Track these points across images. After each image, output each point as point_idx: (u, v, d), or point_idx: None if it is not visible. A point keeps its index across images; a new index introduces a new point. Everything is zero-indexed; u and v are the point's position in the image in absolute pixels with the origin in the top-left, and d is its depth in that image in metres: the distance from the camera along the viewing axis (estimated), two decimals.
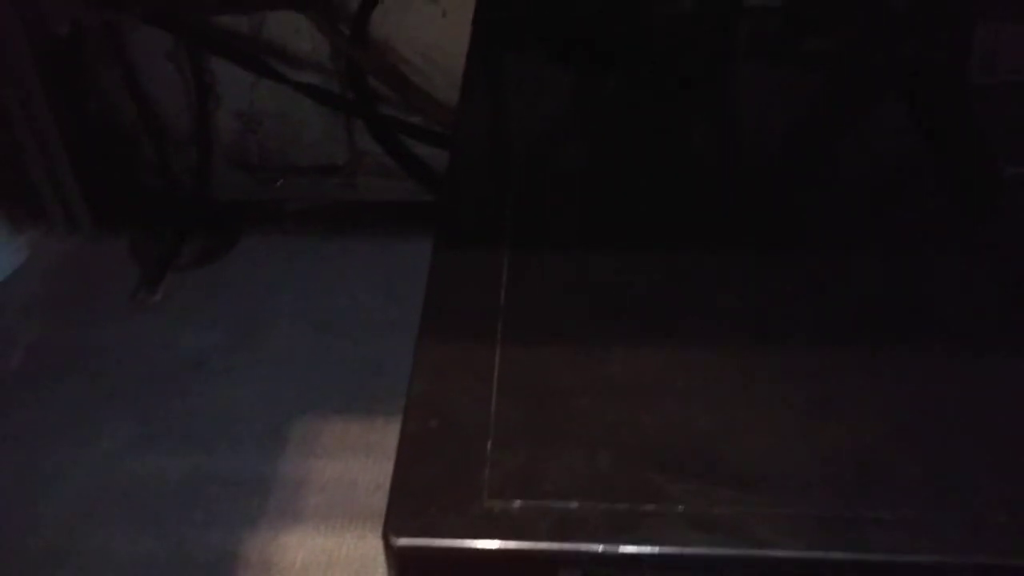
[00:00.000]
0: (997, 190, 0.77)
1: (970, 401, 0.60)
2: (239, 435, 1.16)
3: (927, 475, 0.56)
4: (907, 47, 0.93)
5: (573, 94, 0.95)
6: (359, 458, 1.12)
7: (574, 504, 0.55)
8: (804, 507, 0.55)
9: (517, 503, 0.55)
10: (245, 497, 1.09)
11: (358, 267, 1.39)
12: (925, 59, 0.91)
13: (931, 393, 0.61)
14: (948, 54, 0.90)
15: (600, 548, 0.54)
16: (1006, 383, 0.61)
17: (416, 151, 1.41)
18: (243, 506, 1.08)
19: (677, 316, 0.67)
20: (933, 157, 0.80)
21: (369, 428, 1.15)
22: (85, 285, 1.39)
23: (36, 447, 1.17)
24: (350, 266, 1.39)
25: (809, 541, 0.53)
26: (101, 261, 1.42)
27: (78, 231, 1.46)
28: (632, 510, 0.55)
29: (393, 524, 0.55)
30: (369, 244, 1.42)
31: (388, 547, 0.55)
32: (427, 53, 1.33)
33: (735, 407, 0.60)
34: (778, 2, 0.99)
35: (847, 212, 0.77)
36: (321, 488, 1.09)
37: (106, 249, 1.44)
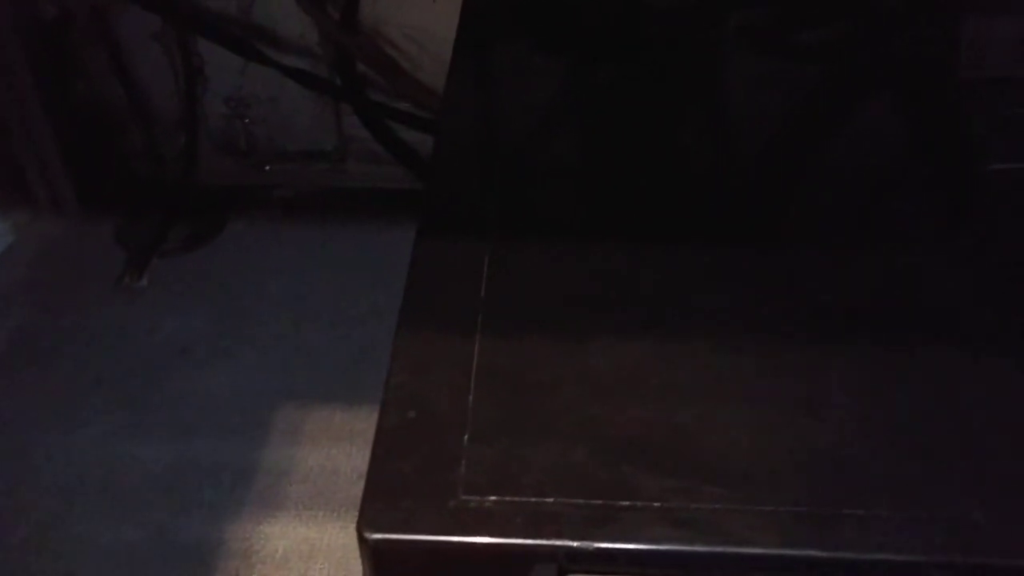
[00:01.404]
0: (982, 186, 0.77)
1: (949, 399, 0.60)
2: (223, 422, 1.16)
3: (904, 473, 0.56)
4: (896, 41, 0.92)
5: (561, 84, 0.94)
6: (343, 447, 1.12)
7: (550, 499, 0.55)
8: (781, 504, 0.54)
9: (492, 498, 0.55)
10: (227, 485, 1.09)
11: (346, 253, 1.39)
12: (914, 54, 0.90)
13: (910, 391, 0.61)
14: (936, 49, 0.89)
15: (575, 544, 0.53)
16: (985, 381, 0.61)
17: (405, 137, 1.41)
18: (225, 494, 1.08)
19: (658, 310, 0.66)
20: (919, 152, 0.79)
21: (353, 416, 1.15)
22: (71, 270, 1.38)
23: (19, 432, 1.16)
24: (338, 252, 1.39)
25: (785, 538, 0.53)
26: (87, 246, 1.42)
27: (64, 215, 1.45)
28: (608, 506, 0.55)
29: (367, 518, 0.55)
30: (357, 230, 1.41)
31: (362, 542, 0.54)
32: (417, 39, 1.33)
33: (714, 403, 0.60)
34: None
35: (832, 207, 0.76)
36: (304, 477, 1.09)
37: (92, 234, 1.43)
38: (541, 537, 0.54)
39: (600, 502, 0.55)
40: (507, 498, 0.55)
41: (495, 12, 1.01)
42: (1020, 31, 0.86)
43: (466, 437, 0.58)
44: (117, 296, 1.34)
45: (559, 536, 0.53)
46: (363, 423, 1.12)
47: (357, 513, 0.55)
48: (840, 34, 0.96)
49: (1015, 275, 0.68)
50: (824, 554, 0.53)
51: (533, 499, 0.55)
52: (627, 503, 0.55)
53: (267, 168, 1.47)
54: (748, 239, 0.73)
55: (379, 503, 0.55)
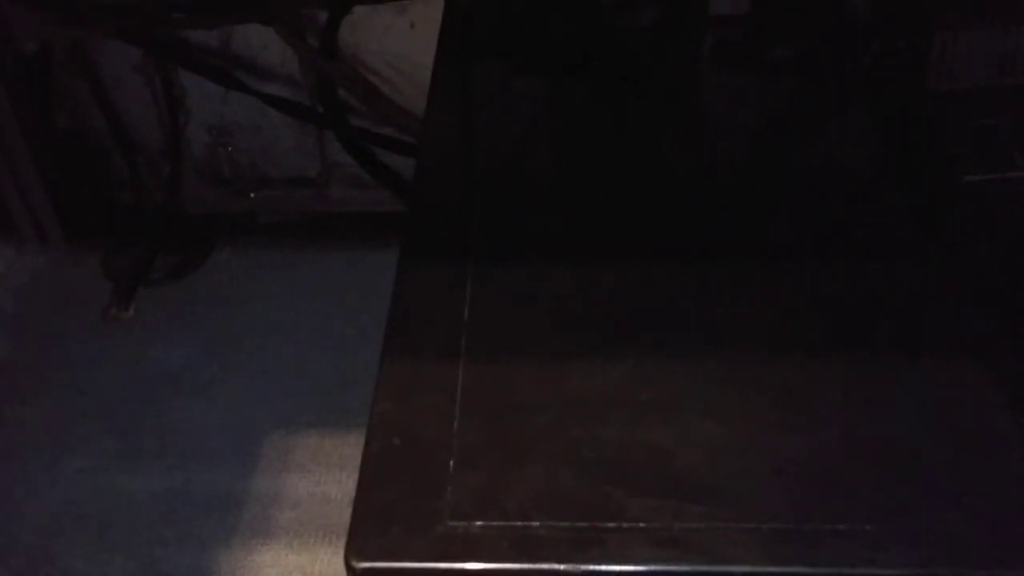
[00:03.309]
0: (955, 197, 0.78)
1: (927, 412, 0.61)
2: (212, 451, 1.16)
3: (884, 487, 0.56)
4: (869, 55, 0.93)
5: (539, 105, 0.95)
6: (332, 472, 1.12)
7: (535, 523, 0.55)
8: (764, 521, 0.55)
9: (479, 523, 0.56)
10: (218, 514, 1.09)
11: (332, 278, 1.39)
12: (886, 67, 0.91)
13: (888, 404, 0.61)
14: (908, 62, 0.90)
15: (562, 567, 0.54)
16: (962, 393, 0.62)
17: (387, 161, 1.41)
18: (216, 523, 1.08)
19: (638, 330, 0.67)
20: (893, 164, 0.80)
21: (342, 442, 1.15)
22: (57, 301, 1.38)
23: (8, 465, 1.16)
24: (324, 278, 1.39)
25: (768, 555, 0.54)
26: (73, 277, 1.42)
27: (49, 247, 1.45)
28: (593, 528, 0.55)
29: (355, 547, 0.55)
30: (343, 255, 1.42)
31: (350, 570, 0.55)
32: (396, 64, 1.33)
33: (695, 421, 0.60)
34: (743, 11, 0.99)
35: (808, 221, 0.77)
36: (294, 503, 1.09)
37: (78, 265, 1.43)
38: (528, 561, 0.54)
39: (585, 524, 0.55)
40: (493, 523, 0.56)
41: (472, 36, 1.02)
42: (990, 43, 0.87)
43: (451, 463, 0.59)
44: (104, 327, 1.34)
45: (546, 560, 0.54)
46: (352, 448, 1.12)
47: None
48: (814, 49, 0.97)
49: (989, 285, 0.69)
50: (808, 570, 0.53)
51: (519, 523, 0.55)
52: (612, 524, 0.55)
53: (251, 195, 1.47)
54: (725, 256, 0.74)
55: (366, 531, 0.56)
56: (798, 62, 0.96)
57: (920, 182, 0.80)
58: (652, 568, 0.53)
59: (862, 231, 0.75)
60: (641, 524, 0.55)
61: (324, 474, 1.12)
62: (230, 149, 1.43)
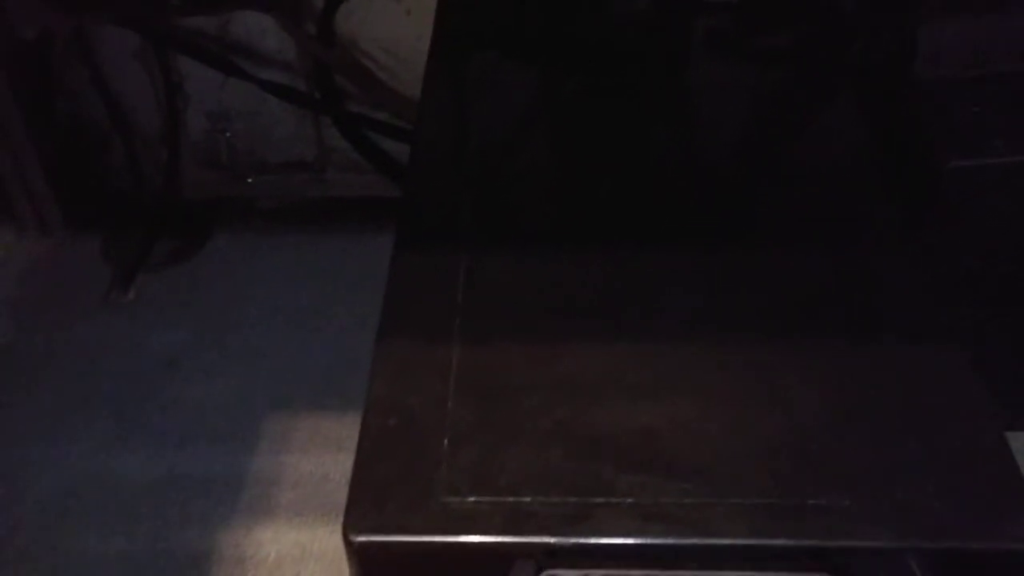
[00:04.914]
0: (939, 183, 0.79)
1: (903, 392, 0.63)
2: (212, 432, 1.17)
3: (863, 463, 0.58)
4: (856, 44, 0.95)
5: (532, 92, 0.96)
6: (331, 453, 1.14)
7: (527, 498, 0.57)
8: (747, 496, 0.57)
9: (472, 498, 0.57)
10: (219, 494, 1.10)
11: (329, 262, 1.40)
12: (874, 55, 0.93)
13: (868, 385, 0.63)
14: (895, 50, 0.92)
15: (552, 540, 0.56)
16: (938, 375, 0.64)
17: (384, 146, 1.43)
18: (217, 503, 1.10)
19: (628, 314, 0.69)
20: (879, 151, 0.82)
21: (340, 423, 1.17)
22: (57, 286, 1.40)
23: (10, 448, 1.18)
24: (321, 262, 1.41)
25: (751, 529, 0.56)
26: (73, 262, 1.43)
27: (49, 232, 1.46)
28: (582, 503, 0.57)
29: (352, 522, 0.57)
30: (340, 239, 1.43)
31: (348, 544, 0.57)
32: (392, 50, 1.35)
33: (681, 401, 0.62)
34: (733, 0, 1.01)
35: (794, 207, 0.79)
36: (294, 483, 1.11)
37: (78, 250, 1.44)
38: (520, 535, 0.56)
39: (575, 500, 0.57)
40: (486, 498, 0.57)
41: (467, 23, 1.03)
42: (975, 34, 0.89)
43: (446, 441, 0.61)
44: (104, 311, 1.35)
45: (537, 533, 0.56)
46: (350, 429, 1.12)
47: None
48: (803, 37, 0.98)
49: (969, 268, 0.71)
50: (789, 543, 0.55)
51: (511, 499, 0.57)
52: (601, 500, 0.57)
53: (249, 180, 1.49)
54: (714, 242, 0.75)
55: (363, 507, 0.58)
56: (787, 50, 0.97)
57: (906, 167, 0.82)
58: (639, 541, 0.55)
59: (848, 216, 0.77)
60: (628, 500, 0.57)
61: (323, 454, 1.14)
62: (228, 135, 1.44)
